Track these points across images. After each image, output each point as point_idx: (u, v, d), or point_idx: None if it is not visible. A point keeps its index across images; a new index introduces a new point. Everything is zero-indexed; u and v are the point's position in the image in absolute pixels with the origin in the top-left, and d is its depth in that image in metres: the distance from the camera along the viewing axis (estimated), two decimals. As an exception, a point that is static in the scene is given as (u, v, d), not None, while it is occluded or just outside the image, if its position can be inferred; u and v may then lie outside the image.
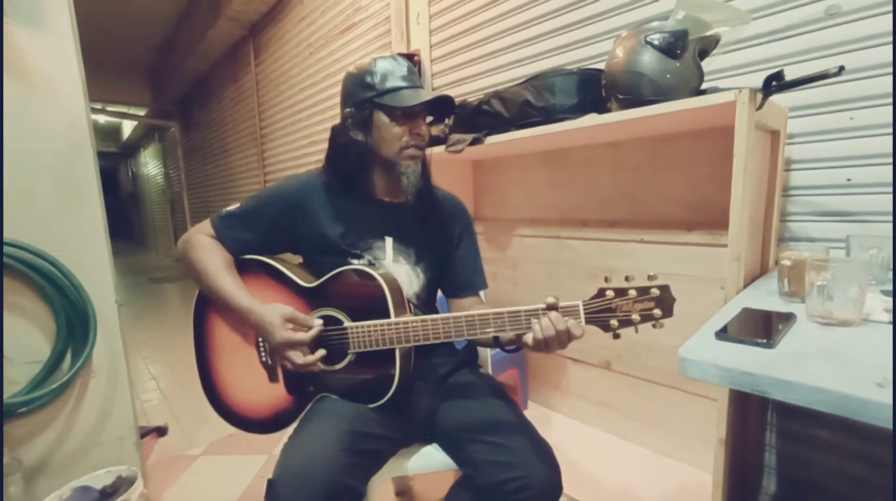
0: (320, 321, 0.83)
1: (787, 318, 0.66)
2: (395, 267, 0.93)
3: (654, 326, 0.71)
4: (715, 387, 1.01)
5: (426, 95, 0.87)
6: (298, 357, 0.80)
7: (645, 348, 1.43)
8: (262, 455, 1.66)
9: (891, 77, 0.96)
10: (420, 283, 0.96)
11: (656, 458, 1.43)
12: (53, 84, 1.23)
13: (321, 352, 0.82)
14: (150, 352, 3.00)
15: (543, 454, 0.79)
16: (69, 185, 1.27)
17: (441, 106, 0.94)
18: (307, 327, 0.81)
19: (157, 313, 4.28)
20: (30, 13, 1.18)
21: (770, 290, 0.85)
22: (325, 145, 0.97)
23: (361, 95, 0.88)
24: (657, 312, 0.70)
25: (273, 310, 0.81)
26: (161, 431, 1.87)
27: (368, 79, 0.87)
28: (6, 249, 1.15)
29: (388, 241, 0.93)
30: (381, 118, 0.87)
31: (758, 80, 0.89)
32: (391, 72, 0.87)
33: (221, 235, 0.91)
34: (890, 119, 0.97)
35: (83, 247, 1.29)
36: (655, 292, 0.70)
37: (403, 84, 0.87)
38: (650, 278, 0.71)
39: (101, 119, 8.04)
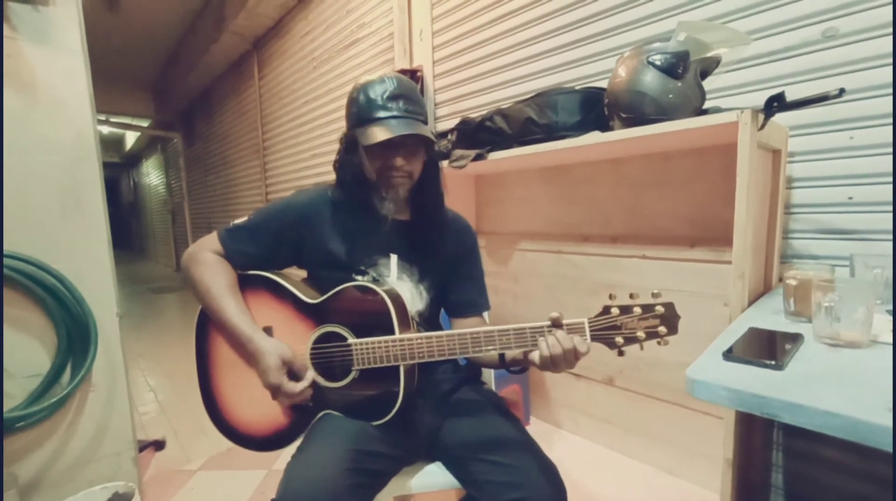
0: (311, 375, 0.83)
1: (795, 338, 0.66)
2: (399, 285, 0.93)
3: (658, 343, 0.71)
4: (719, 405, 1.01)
5: (397, 129, 0.83)
6: (283, 402, 0.83)
7: (648, 363, 1.43)
8: (261, 471, 1.64)
9: (889, 98, 0.98)
10: (424, 302, 0.96)
11: (659, 475, 1.42)
12: (61, 99, 1.25)
13: (308, 393, 0.83)
14: (149, 363, 2.97)
15: (548, 473, 0.78)
16: (73, 198, 1.28)
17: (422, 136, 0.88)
18: (300, 376, 0.82)
19: (157, 323, 4.26)
20: (41, 30, 1.20)
21: (775, 308, 0.85)
22: (327, 159, 0.98)
23: (350, 122, 0.90)
24: (662, 329, 0.70)
25: (273, 349, 0.80)
26: (159, 445, 1.84)
27: (354, 107, 0.88)
28: (8, 261, 1.15)
29: (393, 258, 0.93)
30: (360, 148, 0.89)
31: (758, 98, 0.91)
32: (374, 99, 0.85)
33: (228, 248, 0.91)
34: (890, 139, 0.98)
35: (86, 260, 1.29)
36: (660, 309, 0.70)
37: (381, 115, 0.85)
38: (654, 295, 0.71)
39: (105, 130, 8.09)
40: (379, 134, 0.83)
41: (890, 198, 0.99)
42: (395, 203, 0.90)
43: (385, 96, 0.85)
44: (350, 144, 0.91)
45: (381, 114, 0.85)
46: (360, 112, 0.87)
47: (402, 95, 0.86)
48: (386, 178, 0.89)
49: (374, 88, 0.86)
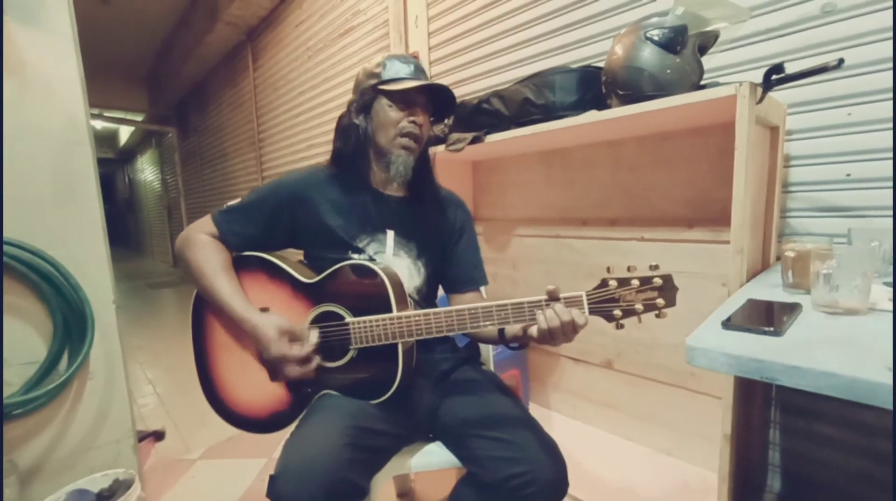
0: (316, 333, 0.83)
1: (793, 308, 0.66)
2: (395, 261, 0.92)
3: (657, 315, 0.70)
4: (718, 385, 1.01)
5: (427, 82, 0.90)
6: (294, 371, 0.80)
7: (646, 345, 1.43)
8: (260, 459, 1.64)
9: (888, 73, 0.97)
10: (421, 277, 0.95)
11: (659, 457, 1.42)
12: (51, 82, 1.22)
13: (316, 360, 0.82)
14: (147, 357, 2.97)
15: (549, 448, 0.78)
16: (67, 183, 1.26)
17: (442, 103, 0.96)
18: (303, 340, 0.81)
19: (154, 318, 4.25)
20: (29, 11, 1.17)
21: (773, 283, 0.85)
22: (324, 148, 0.98)
23: (367, 83, 0.93)
24: (660, 301, 0.70)
25: (269, 322, 0.80)
26: (158, 435, 1.84)
27: (377, 69, 0.92)
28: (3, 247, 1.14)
29: (390, 234, 0.93)
30: (381, 102, 0.91)
31: (756, 77, 0.90)
32: (401, 66, 0.92)
33: (223, 229, 0.90)
34: (887, 114, 0.98)
35: (81, 246, 1.28)
36: (658, 281, 0.70)
37: (409, 76, 0.91)
38: (652, 267, 0.71)
39: (99, 125, 8.02)
40: (414, 82, 0.89)
41: (888, 174, 0.99)
42: (403, 167, 0.92)
43: (412, 67, 0.92)
44: (363, 107, 0.93)
45: (412, 76, 0.91)
46: (387, 74, 0.91)
47: (424, 72, 0.95)
48: (401, 137, 0.91)
49: (400, 58, 0.93)
